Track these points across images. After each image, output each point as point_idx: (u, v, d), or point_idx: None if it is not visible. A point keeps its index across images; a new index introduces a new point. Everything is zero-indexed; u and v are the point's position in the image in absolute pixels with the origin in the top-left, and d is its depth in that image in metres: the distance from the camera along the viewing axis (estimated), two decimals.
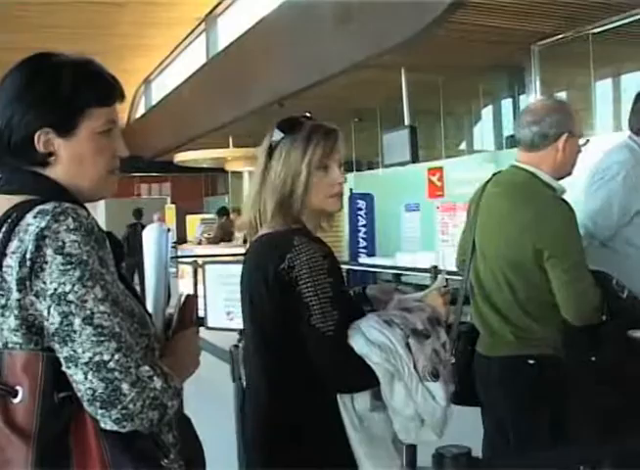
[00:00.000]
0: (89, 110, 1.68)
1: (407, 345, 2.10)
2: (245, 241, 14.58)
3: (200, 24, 19.63)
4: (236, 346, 3.74)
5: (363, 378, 2.12)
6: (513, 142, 12.77)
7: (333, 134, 2.28)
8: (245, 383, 2.47)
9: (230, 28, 17.33)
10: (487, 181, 3.20)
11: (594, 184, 3.37)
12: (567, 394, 2.87)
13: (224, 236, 16.34)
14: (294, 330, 2.14)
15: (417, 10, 9.04)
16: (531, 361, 2.90)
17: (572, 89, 11.69)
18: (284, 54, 12.76)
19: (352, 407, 2.16)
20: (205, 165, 20.41)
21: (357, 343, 2.10)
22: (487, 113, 14.62)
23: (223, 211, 17.44)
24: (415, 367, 2.09)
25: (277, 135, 2.26)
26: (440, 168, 12.32)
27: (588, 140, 3.10)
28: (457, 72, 11.88)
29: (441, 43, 9.86)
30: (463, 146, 15.91)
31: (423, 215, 12.59)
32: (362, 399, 2.16)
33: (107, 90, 1.74)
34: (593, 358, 2.91)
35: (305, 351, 2.12)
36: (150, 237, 1.83)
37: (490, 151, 13.53)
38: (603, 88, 11.49)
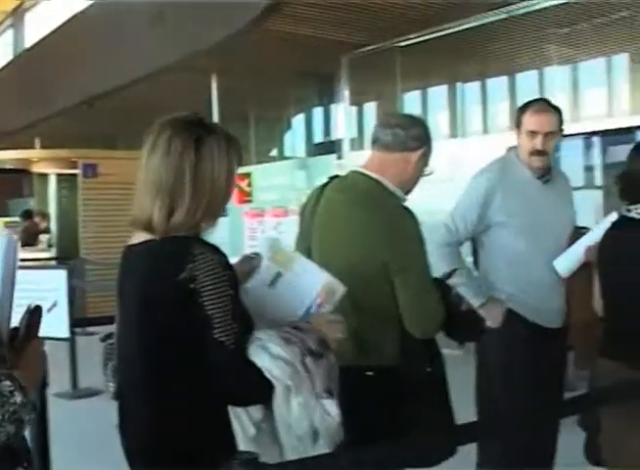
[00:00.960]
0: None
1: (303, 363, 2.15)
2: (50, 245, 14.18)
3: (6, 19, 18.83)
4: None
5: (262, 391, 2.13)
6: (322, 149, 13.00)
7: (236, 141, 2.25)
8: (118, 398, 2.33)
9: (39, 25, 16.72)
10: (324, 186, 3.08)
11: (464, 190, 3.64)
12: (404, 403, 2.85)
13: (28, 240, 15.68)
14: (191, 342, 2.07)
15: (229, 14, 9.04)
16: (370, 373, 2.85)
17: (381, 100, 12.03)
18: (94, 53, 12.43)
19: (246, 418, 2.20)
20: (8, 166, 19.51)
21: (260, 357, 2.10)
22: (299, 120, 14.83)
23: (27, 214, 16.74)
24: (312, 385, 2.14)
25: (185, 134, 2.15)
26: (249, 175, 12.35)
27: (432, 172, 3.10)
28: (269, 79, 11.95)
29: (254, 49, 9.90)
30: (274, 152, 16.04)
31: (231, 221, 12.59)
32: (255, 410, 2.20)
33: None
34: (429, 369, 2.94)
35: (201, 362, 2.07)
36: None
37: (301, 157, 13.71)
38: (411, 99, 11.90)
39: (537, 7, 8.89)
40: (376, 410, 2.81)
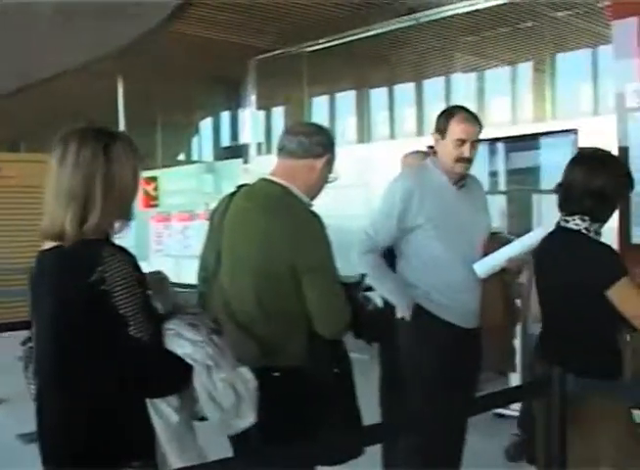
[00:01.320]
0: None
1: (212, 340, 2.30)
2: None
3: None
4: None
5: (183, 377, 2.26)
6: (229, 153, 12.88)
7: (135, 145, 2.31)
8: (37, 400, 2.36)
9: None
10: (233, 194, 3.11)
11: (382, 196, 3.64)
12: (311, 404, 2.89)
13: None
14: (105, 341, 2.15)
15: (136, 18, 8.87)
16: (277, 373, 2.87)
17: (289, 104, 12.02)
18: None
19: (165, 407, 2.38)
20: None
21: (180, 344, 2.24)
22: (207, 124, 14.71)
23: None
24: (226, 359, 2.32)
25: (93, 143, 2.22)
26: (155, 178, 12.18)
27: (337, 178, 3.16)
28: (177, 83, 11.83)
29: (161, 52, 9.77)
30: (182, 156, 15.88)
31: (137, 225, 12.40)
32: (173, 398, 2.39)
33: None
34: (336, 370, 2.99)
35: (115, 362, 2.15)
36: None
37: (208, 162, 13.59)
38: (319, 104, 11.91)
39: (444, 15, 9.02)
40: (283, 411, 2.83)
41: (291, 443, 2.69)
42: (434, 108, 10.84)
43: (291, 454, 2.32)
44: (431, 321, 3.61)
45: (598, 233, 3.21)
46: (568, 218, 3.22)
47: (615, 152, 5.91)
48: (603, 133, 6.12)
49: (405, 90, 11.57)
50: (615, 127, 5.90)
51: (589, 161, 3.29)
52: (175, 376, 2.28)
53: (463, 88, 10.50)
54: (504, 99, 10.13)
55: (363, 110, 11.66)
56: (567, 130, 6.09)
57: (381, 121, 11.58)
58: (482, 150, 6.67)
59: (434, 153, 3.75)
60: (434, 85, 11.05)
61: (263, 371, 2.74)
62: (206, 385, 2.29)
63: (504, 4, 8.54)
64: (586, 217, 3.17)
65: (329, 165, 3.07)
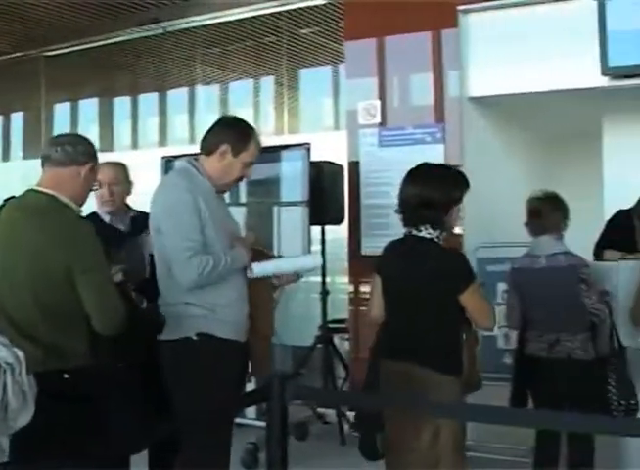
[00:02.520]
0: None
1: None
2: None
3: None
4: None
5: None
6: None
7: None
8: None
9: None
10: (1, 207, 3.29)
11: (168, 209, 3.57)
12: (109, 398, 3.15)
13: None
14: None
15: None
16: (66, 375, 3.03)
17: (28, 110, 11.55)
18: None
19: None
20: None
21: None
22: None
23: None
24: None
25: None
26: None
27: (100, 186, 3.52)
28: None
29: None
30: None
31: None
32: None
33: None
34: (120, 366, 3.38)
35: None
36: None
37: None
38: (61, 111, 11.53)
39: (188, 26, 9.02)
40: (75, 410, 2.97)
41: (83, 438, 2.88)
42: (178, 118, 10.85)
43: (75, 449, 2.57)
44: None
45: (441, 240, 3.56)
46: (420, 227, 3.53)
47: (345, 166, 6.21)
48: (337, 148, 6.38)
49: (149, 100, 11.43)
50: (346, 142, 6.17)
51: (417, 175, 3.63)
52: None
53: (207, 100, 10.53)
54: (247, 111, 10.25)
55: (106, 118, 11.40)
56: (300, 144, 6.26)
57: (124, 130, 11.37)
58: None
59: (196, 159, 3.72)
60: (178, 95, 11.00)
61: (53, 375, 2.96)
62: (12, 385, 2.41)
63: (247, 18, 8.66)
64: (436, 226, 3.50)
65: (93, 173, 3.31)
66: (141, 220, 4.07)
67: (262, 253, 3.82)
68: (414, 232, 3.55)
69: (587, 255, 4.53)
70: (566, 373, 4.24)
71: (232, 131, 3.70)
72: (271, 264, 3.77)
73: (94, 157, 3.33)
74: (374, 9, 6.16)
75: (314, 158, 6.18)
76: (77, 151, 3.24)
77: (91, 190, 3.36)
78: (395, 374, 3.52)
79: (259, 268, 3.66)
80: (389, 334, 3.67)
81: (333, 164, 6.31)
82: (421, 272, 3.52)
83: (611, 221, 5.35)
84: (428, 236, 3.52)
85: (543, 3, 5.76)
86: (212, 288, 3.52)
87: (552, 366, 4.28)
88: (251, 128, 3.78)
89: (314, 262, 4.03)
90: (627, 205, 5.20)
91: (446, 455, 3.43)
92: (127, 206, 4.52)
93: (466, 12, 5.99)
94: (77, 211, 3.27)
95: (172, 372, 3.56)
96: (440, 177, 3.61)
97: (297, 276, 3.91)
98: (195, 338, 3.49)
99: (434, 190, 3.52)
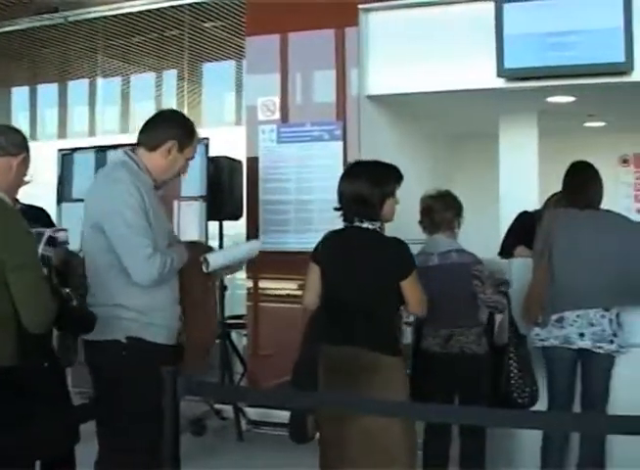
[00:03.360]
0: None
1: None
2: None
3: None
4: None
5: None
6: None
7: None
8: None
9: None
10: None
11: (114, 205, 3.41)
12: (32, 399, 3.04)
13: None
14: None
15: None
16: None
17: None
18: None
19: None
20: None
21: None
22: None
23: None
24: None
25: None
26: None
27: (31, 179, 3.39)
28: None
29: None
30: None
31: None
32: None
33: None
34: (46, 364, 3.33)
35: None
36: None
37: None
38: None
39: (90, 16, 8.86)
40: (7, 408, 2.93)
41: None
42: (77, 110, 10.64)
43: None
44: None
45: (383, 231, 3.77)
46: (363, 220, 3.71)
47: (243, 161, 6.21)
48: (238, 144, 6.37)
49: (49, 90, 11.19)
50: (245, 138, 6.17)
51: (351, 173, 3.87)
52: None
53: (108, 92, 10.35)
54: (149, 104, 10.13)
55: (3, 108, 11.12)
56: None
57: (23, 122, 11.10)
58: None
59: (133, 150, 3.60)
60: (78, 87, 10.79)
61: None
62: None
63: (150, 10, 8.56)
64: (373, 221, 3.71)
65: (25, 164, 3.25)
66: (30, 215, 3.95)
67: (198, 245, 3.81)
68: (356, 223, 3.74)
69: (483, 252, 4.63)
70: (459, 367, 4.34)
71: (178, 127, 3.60)
72: (221, 255, 3.78)
73: (26, 147, 3.26)
74: (276, 5, 6.18)
75: (215, 153, 6.16)
76: (9, 141, 3.17)
77: (24, 182, 3.31)
78: (342, 359, 3.61)
79: (213, 260, 3.59)
80: (331, 320, 3.74)
81: (231, 159, 6.30)
82: (366, 259, 3.71)
83: (516, 221, 5.50)
84: (371, 227, 3.72)
85: (443, 5, 5.87)
86: (145, 291, 3.39)
87: (446, 360, 4.37)
88: (193, 123, 3.73)
89: (259, 245, 4.12)
90: (521, 202, 5.35)
91: (400, 455, 3.58)
92: (16, 200, 4.40)
93: (367, 10, 6.06)
94: (9, 204, 3.15)
95: (98, 373, 3.49)
96: (373, 173, 3.78)
97: (241, 264, 3.96)
98: (124, 341, 3.38)
99: (368, 186, 3.71)
